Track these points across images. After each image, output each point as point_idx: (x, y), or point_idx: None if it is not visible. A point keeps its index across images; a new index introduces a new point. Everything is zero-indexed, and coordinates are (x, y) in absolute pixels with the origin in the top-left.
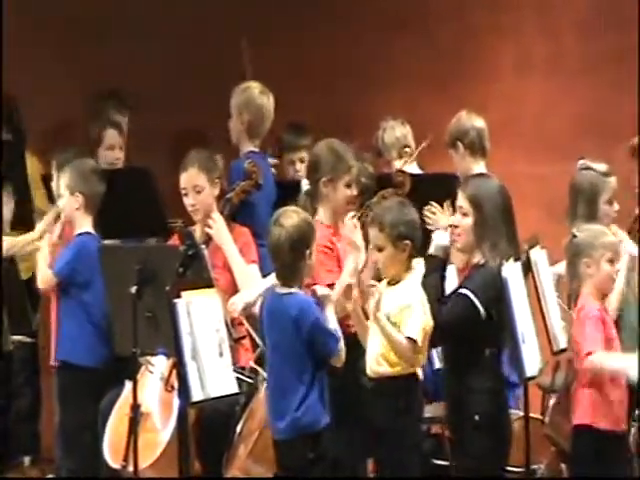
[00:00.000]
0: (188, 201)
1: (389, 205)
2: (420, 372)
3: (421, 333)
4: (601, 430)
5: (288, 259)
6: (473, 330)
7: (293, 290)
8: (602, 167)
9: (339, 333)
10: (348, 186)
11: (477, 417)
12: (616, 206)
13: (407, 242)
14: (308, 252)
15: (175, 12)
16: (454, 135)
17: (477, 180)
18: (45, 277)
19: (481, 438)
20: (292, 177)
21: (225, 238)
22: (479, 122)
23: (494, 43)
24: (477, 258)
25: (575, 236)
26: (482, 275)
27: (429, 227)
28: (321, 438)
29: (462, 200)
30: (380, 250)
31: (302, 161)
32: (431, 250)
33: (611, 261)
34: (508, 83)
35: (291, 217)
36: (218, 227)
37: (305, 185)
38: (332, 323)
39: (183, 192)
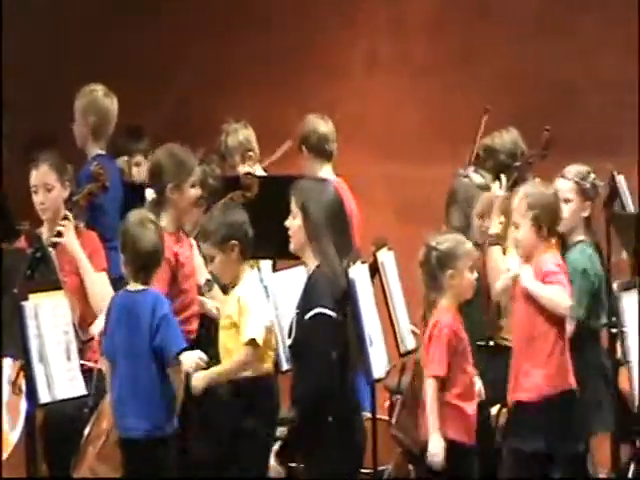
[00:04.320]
0: (37, 199)
1: (210, 214)
2: None
3: (263, 332)
4: (455, 442)
5: (160, 255)
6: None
7: (147, 287)
8: (479, 178)
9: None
10: (193, 186)
11: (330, 419)
12: (487, 222)
13: (234, 242)
14: None
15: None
16: (299, 139)
17: (307, 183)
18: None
19: (333, 441)
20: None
21: (76, 248)
22: (324, 126)
23: (343, 41)
24: (310, 262)
25: (435, 248)
26: (322, 283)
27: None
28: (170, 440)
29: (292, 201)
30: (212, 260)
31: (137, 164)
32: None
33: (471, 269)
34: (357, 82)
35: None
36: (69, 239)
37: (150, 195)
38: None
39: (33, 190)
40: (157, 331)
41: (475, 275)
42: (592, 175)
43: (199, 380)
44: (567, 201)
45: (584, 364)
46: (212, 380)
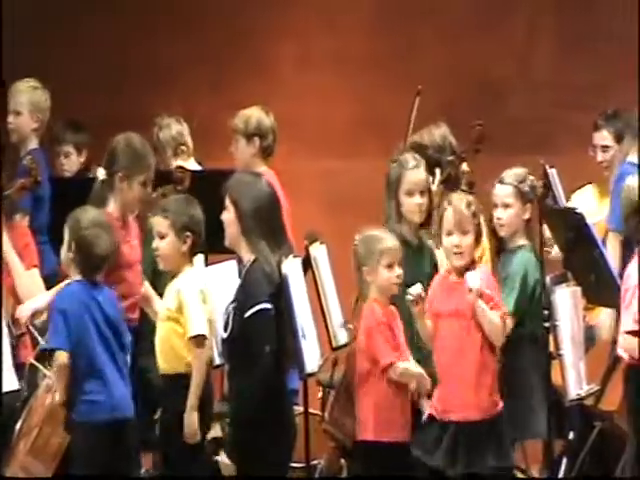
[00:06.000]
0: None
1: (176, 197)
2: None
3: (208, 325)
4: (385, 442)
5: (114, 255)
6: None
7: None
8: (407, 158)
9: None
10: (143, 184)
11: (261, 414)
12: (418, 199)
13: (189, 234)
14: None
15: None
16: (252, 131)
17: (241, 176)
18: None
19: (263, 436)
20: (60, 171)
21: (6, 247)
22: (274, 123)
23: (274, 40)
24: (245, 256)
25: (355, 245)
26: (260, 277)
27: None
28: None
29: (226, 195)
30: (162, 237)
31: (66, 155)
32: None
33: (390, 266)
34: (288, 80)
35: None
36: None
37: (101, 175)
38: None
39: None
40: (122, 322)
41: (398, 272)
42: (530, 177)
43: (191, 417)
44: (507, 206)
45: (523, 369)
46: (196, 402)
